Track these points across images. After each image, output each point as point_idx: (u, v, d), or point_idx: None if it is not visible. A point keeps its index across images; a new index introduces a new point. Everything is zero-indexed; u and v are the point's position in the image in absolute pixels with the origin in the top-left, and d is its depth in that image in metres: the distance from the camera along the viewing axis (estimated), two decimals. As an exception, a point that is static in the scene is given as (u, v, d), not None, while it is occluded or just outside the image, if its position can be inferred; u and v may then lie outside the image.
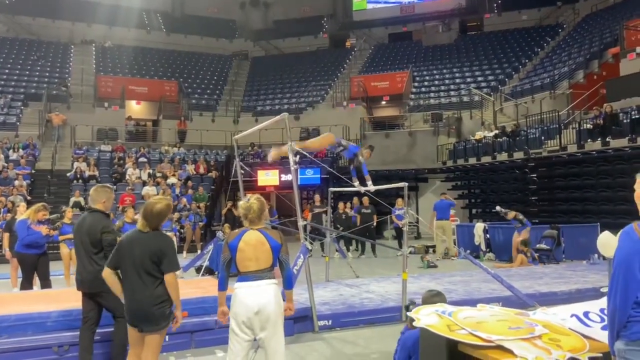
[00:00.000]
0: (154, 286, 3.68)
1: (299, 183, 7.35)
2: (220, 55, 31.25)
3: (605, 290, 6.14)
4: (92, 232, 4.54)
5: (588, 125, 14.21)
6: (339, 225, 13.65)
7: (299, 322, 6.09)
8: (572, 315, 3.12)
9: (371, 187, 7.42)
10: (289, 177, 16.92)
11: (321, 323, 6.21)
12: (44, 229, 7.56)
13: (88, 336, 4.65)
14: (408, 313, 3.36)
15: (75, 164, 18.52)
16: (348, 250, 13.80)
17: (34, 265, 7.58)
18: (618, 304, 2.22)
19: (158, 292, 3.68)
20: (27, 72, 24.55)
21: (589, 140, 13.84)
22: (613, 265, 2.29)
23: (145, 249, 3.68)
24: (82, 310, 4.69)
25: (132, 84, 24.58)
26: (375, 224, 14.22)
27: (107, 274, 3.81)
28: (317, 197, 15.50)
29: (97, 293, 4.48)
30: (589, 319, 3.07)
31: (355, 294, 7.62)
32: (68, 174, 18.18)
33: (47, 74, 24.78)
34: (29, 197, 15.92)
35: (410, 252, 9.45)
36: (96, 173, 18.43)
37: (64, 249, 9.33)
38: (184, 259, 12.65)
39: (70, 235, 9.38)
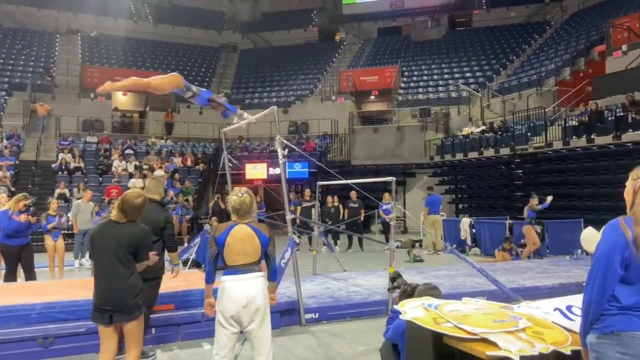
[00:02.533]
0: (127, 277, 3.66)
1: (287, 177, 7.30)
2: (209, 47, 30.99)
3: (587, 284, 6.25)
4: (155, 221, 4.61)
5: (573, 122, 14.36)
6: (327, 219, 13.68)
7: (286, 315, 6.12)
8: (555, 309, 3.17)
9: (249, 118, 6.91)
10: (277, 170, 16.90)
11: (308, 316, 6.24)
12: (22, 217, 7.49)
13: None
14: (395, 306, 3.39)
15: (60, 155, 18.29)
16: (336, 243, 13.84)
17: (17, 257, 7.50)
18: (594, 297, 2.22)
19: (132, 282, 3.67)
20: (12, 62, 24.11)
21: (574, 137, 13.99)
22: (594, 257, 2.29)
23: (121, 240, 3.65)
24: None
25: (118, 75, 23.92)
26: (362, 218, 14.28)
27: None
28: (307, 192, 15.51)
29: (149, 279, 4.51)
30: (572, 312, 3.11)
31: (342, 288, 7.66)
32: (53, 165, 17.96)
33: (32, 64, 24.37)
34: (13, 188, 15.67)
35: (397, 247, 9.52)
36: (81, 164, 18.23)
37: (49, 241, 9.25)
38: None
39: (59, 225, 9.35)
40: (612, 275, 2.19)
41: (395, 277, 4.19)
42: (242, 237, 3.59)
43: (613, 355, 2.18)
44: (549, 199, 11.20)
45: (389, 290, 6.20)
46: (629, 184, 2.33)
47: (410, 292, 3.76)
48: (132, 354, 3.74)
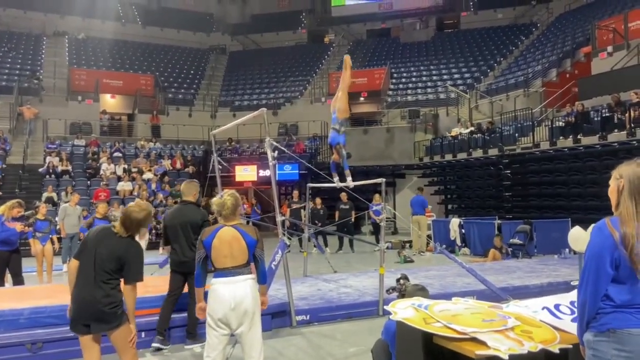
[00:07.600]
0: (109, 287, 3.51)
1: (277, 179, 7.30)
2: (198, 49, 30.88)
3: (575, 283, 6.31)
4: (194, 221, 5.14)
5: (560, 123, 14.50)
6: (315, 221, 13.68)
7: (277, 317, 6.11)
8: (543, 308, 3.20)
9: (350, 183, 7.40)
10: (267, 172, 16.87)
11: (299, 318, 6.24)
12: (18, 226, 7.41)
13: (170, 307, 5.32)
14: (386, 307, 3.40)
15: (48, 159, 18.12)
16: (325, 245, 13.83)
17: (6, 262, 7.43)
18: (588, 297, 2.27)
19: (113, 293, 3.51)
20: (-2, 64, 23.90)
21: (561, 137, 14.13)
22: (585, 259, 2.33)
23: (112, 252, 3.54)
24: (170, 286, 5.37)
25: (106, 77, 24.10)
26: (353, 219, 14.29)
27: (72, 265, 3.63)
28: (295, 193, 15.51)
29: (191, 273, 4.82)
30: (560, 311, 3.14)
31: (333, 289, 7.67)
32: (40, 169, 17.78)
33: (19, 66, 24.15)
34: (-1, 192, 15.54)
35: (387, 247, 9.54)
36: (69, 168, 18.07)
37: (37, 246, 9.15)
38: (160, 254, 12.53)
39: (46, 231, 9.26)
40: (603, 276, 2.23)
41: (399, 279, 4.18)
42: (228, 240, 3.60)
43: (609, 352, 2.22)
44: None
45: (387, 292, 6.24)
46: (612, 183, 2.37)
47: (403, 292, 3.78)
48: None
